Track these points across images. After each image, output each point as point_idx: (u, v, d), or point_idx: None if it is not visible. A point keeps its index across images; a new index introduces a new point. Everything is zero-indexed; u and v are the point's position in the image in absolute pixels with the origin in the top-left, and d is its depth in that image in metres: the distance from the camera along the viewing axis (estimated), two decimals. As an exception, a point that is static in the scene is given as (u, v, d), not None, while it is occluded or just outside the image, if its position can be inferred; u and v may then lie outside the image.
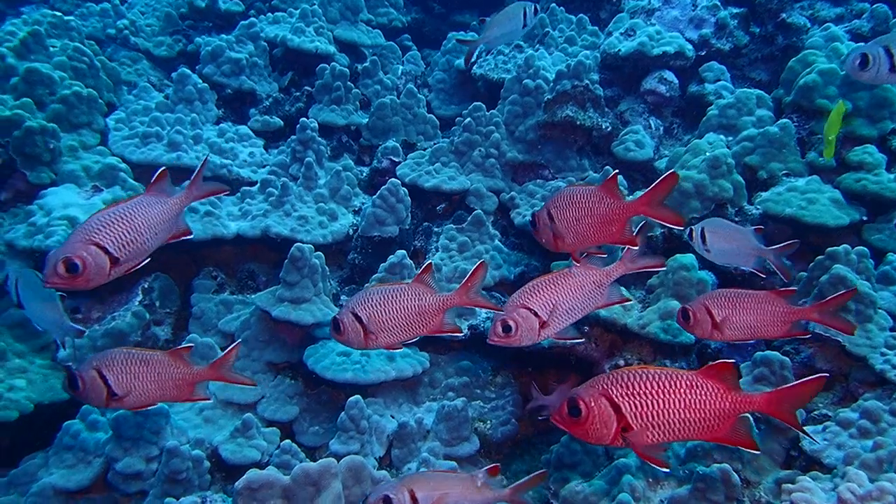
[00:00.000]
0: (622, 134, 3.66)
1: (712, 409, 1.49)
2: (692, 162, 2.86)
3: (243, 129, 3.96)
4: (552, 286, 1.79)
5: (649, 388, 1.48)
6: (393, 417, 2.87)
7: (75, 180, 3.21)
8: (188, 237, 2.07)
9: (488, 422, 2.94)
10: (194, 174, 2.01)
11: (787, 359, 2.29)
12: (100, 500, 2.53)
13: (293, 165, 3.70)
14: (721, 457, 2.08)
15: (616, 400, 1.48)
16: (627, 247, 1.88)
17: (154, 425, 2.53)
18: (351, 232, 3.48)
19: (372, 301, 1.74)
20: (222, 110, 4.05)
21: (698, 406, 1.48)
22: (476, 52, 3.61)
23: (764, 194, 2.89)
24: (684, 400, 1.48)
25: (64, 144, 3.26)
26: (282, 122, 4.08)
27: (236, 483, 1.72)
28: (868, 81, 2.17)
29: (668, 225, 1.99)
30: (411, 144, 4.01)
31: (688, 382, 1.49)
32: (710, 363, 1.52)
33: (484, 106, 3.72)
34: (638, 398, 1.48)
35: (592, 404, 1.49)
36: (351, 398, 2.63)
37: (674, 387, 1.48)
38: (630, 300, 1.95)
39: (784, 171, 2.94)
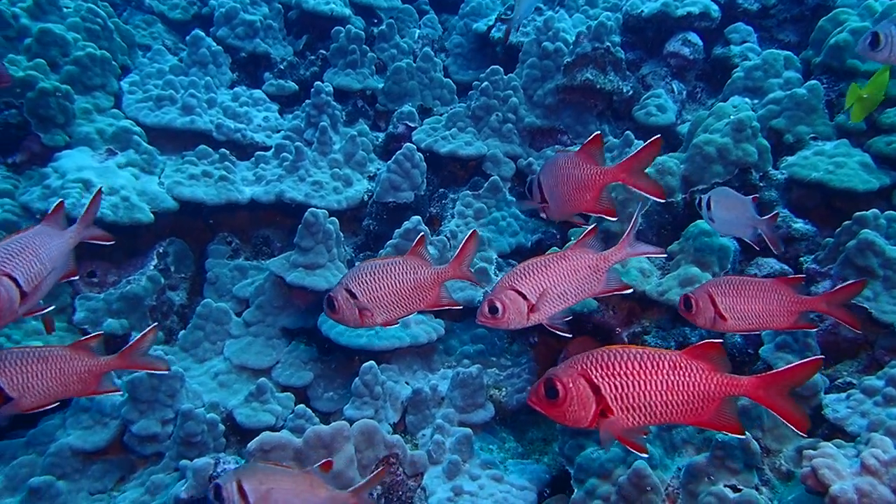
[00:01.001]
0: (644, 98, 3.57)
1: (696, 391, 1.41)
2: (715, 126, 2.77)
3: (258, 93, 3.92)
4: (544, 269, 1.68)
5: (631, 368, 1.41)
6: (408, 384, 2.85)
7: (89, 143, 3.19)
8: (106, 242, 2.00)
9: (503, 389, 2.91)
10: (84, 210, 1.90)
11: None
12: (116, 462, 2.54)
13: (308, 130, 3.66)
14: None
15: (595, 381, 1.41)
16: (628, 230, 1.74)
17: (169, 388, 2.53)
18: (366, 198, 3.44)
19: (365, 276, 1.67)
20: (236, 74, 4.01)
21: (682, 388, 1.41)
22: (515, 27, 3.56)
23: (790, 158, 2.80)
24: (667, 381, 1.41)
25: (78, 107, 3.24)
26: (296, 87, 4.03)
27: (249, 444, 1.71)
28: (881, 62, 2.05)
29: (648, 196, 1.87)
30: (428, 109, 3.95)
31: (671, 363, 1.41)
32: (697, 342, 1.45)
33: (501, 70, 3.64)
34: (618, 379, 1.41)
35: (570, 385, 1.42)
36: (365, 364, 2.62)
37: (656, 367, 1.41)
38: (629, 288, 1.81)
39: (812, 135, 2.84)
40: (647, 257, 2.62)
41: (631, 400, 1.41)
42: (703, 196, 2.25)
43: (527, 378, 2.90)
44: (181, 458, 2.34)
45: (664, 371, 1.41)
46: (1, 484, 2.42)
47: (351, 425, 1.88)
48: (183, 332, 3.04)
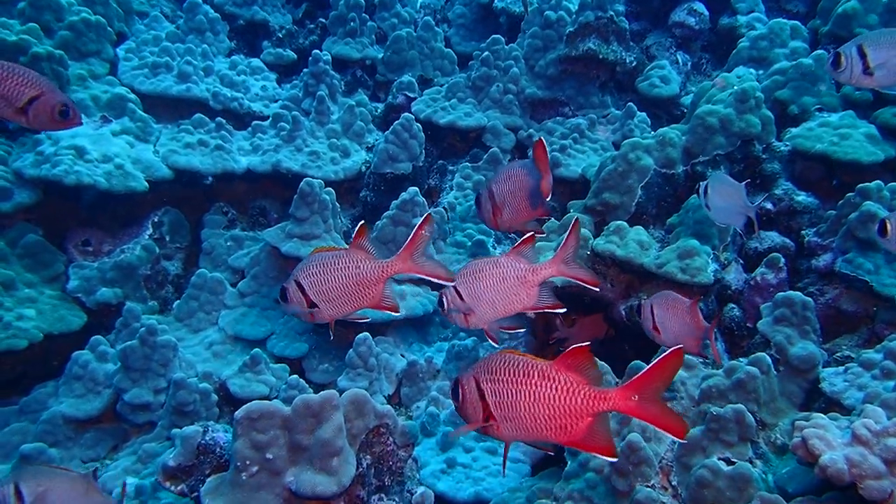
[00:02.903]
0: (647, 69, 3.50)
1: (563, 406, 1.27)
2: (719, 96, 2.71)
3: (255, 61, 3.86)
4: (478, 273, 1.58)
5: (508, 376, 1.31)
6: (403, 356, 2.83)
7: (84, 110, 3.15)
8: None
9: (521, 349, 2.88)
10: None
11: (811, 299, 2.19)
12: (109, 430, 2.54)
13: (306, 100, 3.61)
14: (736, 397, 2.00)
15: (482, 386, 1.33)
16: (562, 245, 1.64)
17: (162, 358, 2.52)
18: (363, 169, 3.40)
19: (312, 269, 1.56)
20: (234, 42, 3.95)
21: (548, 401, 1.27)
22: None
23: (794, 130, 2.74)
24: (535, 393, 1.29)
25: (72, 73, 3.20)
26: (295, 56, 3.98)
27: (236, 413, 1.69)
28: (844, 83, 1.99)
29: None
30: (428, 80, 3.89)
31: (541, 373, 1.28)
32: (567, 348, 1.29)
33: (503, 39, 3.58)
34: (498, 385, 1.32)
35: (466, 388, 1.36)
36: (359, 335, 2.59)
37: (527, 377, 1.29)
38: (562, 307, 1.67)
39: (817, 106, 2.78)
40: (645, 230, 2.58)
41: (506, 410, 1.32)
42: (701, 183, 2.20)
43: (523, 350, 2.87)
44: (173, 427, 2.33)
45: (533, 381, 1.29)
46: (-6, 450, 2.43)
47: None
48: (178, 301, 3.02)
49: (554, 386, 1.28)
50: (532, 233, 1.66)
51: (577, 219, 1.66)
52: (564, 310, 1.64)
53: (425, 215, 1.60)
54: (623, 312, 2.51)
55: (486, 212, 1.88)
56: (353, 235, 1.60)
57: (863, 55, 1.87)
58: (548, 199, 1.95)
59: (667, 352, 1.25)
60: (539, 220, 2.00)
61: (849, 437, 1.34)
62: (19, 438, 2.45)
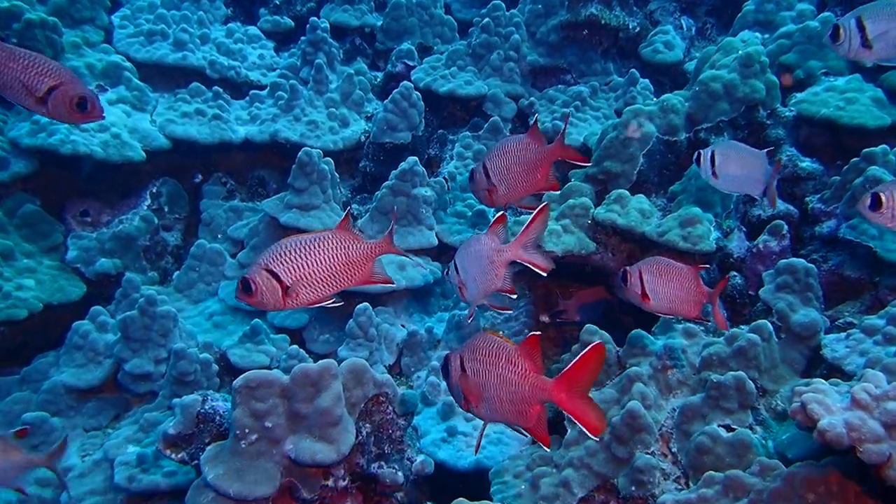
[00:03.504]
0: (651, 35, 3.44)
1: (519, 392, 1.31)
2: (723, 61, 2.66)
3: (253, 29, 3.81)
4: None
5: (485, 356, 1.35)
6: (403, 326, 2.82)
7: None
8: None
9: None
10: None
11: (813, 266, 2.17)
12: (111, 400, 2.55)
13: (304, 69, 3.56)
14: (737, 365, 2.00)
15: (465, 364, 1.37)
16: (524, 230, 1.65)
17: (161, 328, 2.51)
18: (363, 138, 3.37)
19: (289, 254, 1.53)
20: (231, 9, 3.89)
21: (509, 385, 1.32)
22: None
23: (799, 95, 2.69)
24: (501, 375, 1.33)
25: (66, 41, 3.15)
26: (293, 23, 3.91)
27: (235, 381, 1.68)
28: (843, 55, 1.93)
29: (581, 164, 1.95)
30: (428, 48, 3.83)
31: (507, 356, 1.32)
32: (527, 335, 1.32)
33: (503, 5, 3.52)
34: (477, 365, 1.36)
35: (452, 365, 1.39)
36: (359, 305, 2.59)
37: (497, 359, 1.33)
38: (392, 284, 1.72)
39: (823, 70, 2.73)
40: (647, 198, 2.55)
41: (482, 390, 1.36)
42: (702, 151, 2.11)
43: (524, 321, 2.87)
44: (174, 396, 2.34)
45: (500, 364, 1.33)
46: (-4, 420, 2.44)
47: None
48: (177, 272, 3.01)
49: (515, 371, 1.31)
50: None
51: (545, 204, 1.68)
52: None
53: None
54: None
55: (481, 188, 1.84)
56: (341, 219, 1.60)
57: (861, 27, 1.81)
58: (552, 172, 1.91)
59: (588, 347, 1.27)
60: (536, 196, 1.97)
61: (848, 402, 1.33)
62: (21, 407, 2.46)
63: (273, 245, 1.55)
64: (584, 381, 1.28)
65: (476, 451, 1.54)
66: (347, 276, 1.59)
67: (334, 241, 1.56)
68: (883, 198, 1.69)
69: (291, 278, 1.53)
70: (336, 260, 1.55)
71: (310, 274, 1.53)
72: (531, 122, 1.86)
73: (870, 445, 1.29)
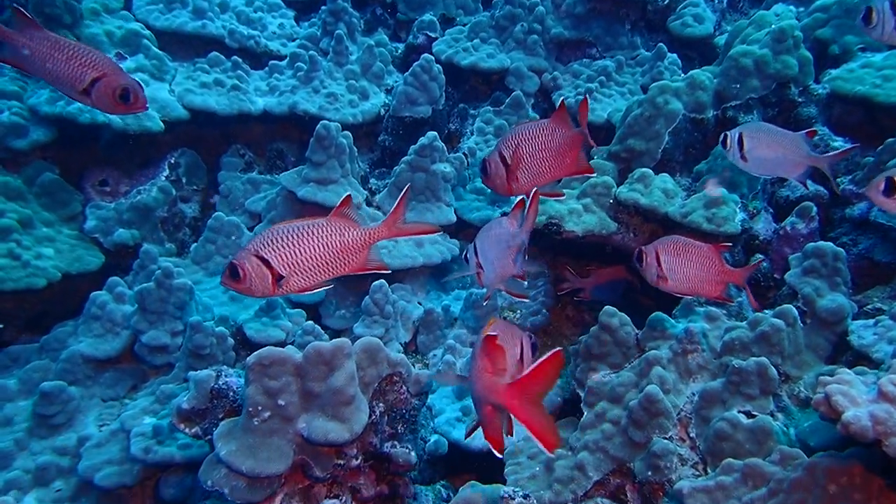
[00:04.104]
0: (680, 7, 3.34)
1: (474, 393, 1.30)
2: (754, 36, 2.57)
3: (273, -2, 3.75)
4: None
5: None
6: (420, 304, 2.80)
7: (98, 45, 3.08)
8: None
9: (518, 311, 2.85)
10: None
11: (842, 250, 2.10)
12: (129, 371, 2.56)
13: (324, 39, 3.51)
14: (760, 350, 1.95)
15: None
16: (395, 206, 1.61)
17: (178, 300, 2.51)
18: (382, 112, 3.32)
19: (281, 240, 1.50)
20: (250, -23, 3.82)
21: (473, 382, 1.30)
22: None
23: (833, 72, 2.60)
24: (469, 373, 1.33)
25: (85, 7, 3.12)
26: (313, -8, 3.85)
27: (248, 358, 1.67)
28: (876, 40, 1.83)
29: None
30: (450, 19, 3.76)
31: (473, 354, 1.32)
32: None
33: (528, -25, 3.43)
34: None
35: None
36: (375, 283, 2.56)
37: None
38: (387, 270, 1.67)
39: (860, 46, 2.63)
40: (672, 178, 2.49)
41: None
42: (729, 133, 2.02)
43: (542, 300, 2.83)
44: (190, 369, 2.33)
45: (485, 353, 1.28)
46: (16, 386, 2.46)
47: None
48: (195, 244, 3.01)
49: (475, 369, 1.28)
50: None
51: (408, 186, 1.71)
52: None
53: (407, 186, 1.64)
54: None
55: (497, 178, 1.78)
56: (338, 205, 1.55)
57: None
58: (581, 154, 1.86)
59: (546, 355, 1.20)
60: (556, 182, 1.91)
61: (875, 394, 1.28)
62: (40, 376, 2.48)
63: (264, 230, 1.52)
64: (538, 389, 1.21)
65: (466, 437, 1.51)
66: (341, 264, 1.56)
67: (328, 229, 1.53)
68: (874, 13, 1.60)
69: (283, 266, 1.50)
70: (330, 248, 1.52)
71: (302, 262, 1.50)
72: (557, 105, 1.79)
73: (896, 440, 1.24)
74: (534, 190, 1.71)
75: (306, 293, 1.57)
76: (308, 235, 1.51)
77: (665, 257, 1.82)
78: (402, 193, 1.59)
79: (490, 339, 1.25)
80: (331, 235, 1.53)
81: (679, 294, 1.87)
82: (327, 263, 1.54)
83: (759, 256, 2.36)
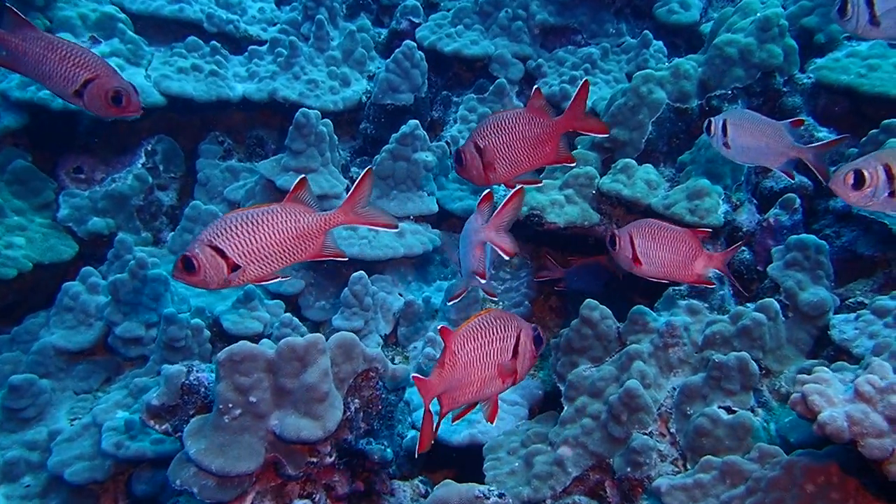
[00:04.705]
0: (666, -7, 3.29)
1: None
2: (740, 24, 2.53)
3: (252, -19, 3.67)
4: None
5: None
6: (401, 295, 2.76)
7: (71, 29, 3.01)
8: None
9: (500, 303, 2.82)
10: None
11: (825, 242, 2.08)
12: (102, 363, 2.51)
13: (305, 24, 3.44)
14: (741, 344, 1.93)
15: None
16: (351, 192, 1.56)
17: (153, 291, 2.46)
18: (364, 99, 3.26)
19: (235, 228, 1.44)
20: (230, -39, 3.74)
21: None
22: None
23: (819, 61, 2.57)
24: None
25: (59, -11, 3.04)
26: (294, -24, 3.77)
27: (218, 354, 1.63)
28: (850, 32, 1.80)
29: (594, 135, 1.87)
30: (434, 4, 3.69)
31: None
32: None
33: (513, -41, 3.37)
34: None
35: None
36: (354, 274, 2.52)
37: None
38: (344, 257, 1.62)
39: (846, 34, 2.59)
40: (655, 168, 2.46)
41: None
42: (713, 119, 1.99)
43: (524, 292, 2.80)
44: (165, 362, 2.29)
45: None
46: (-15, 380, 2.41)
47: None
48: (172, 233, 2.95)
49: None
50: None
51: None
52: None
53: (367, 169, 1.55)
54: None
55: (473, 168, 1.74)
56: (292, 189, 1.50)
57: (870, 3, 1.69)
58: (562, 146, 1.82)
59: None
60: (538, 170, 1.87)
61: (851, 394, 1.26)
62: (10, 368, 2.43)
63: (216, 220, 1.46)
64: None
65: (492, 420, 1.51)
66: (297, 250, 1.51)
67: (283, 215, 1.47)
68: (867, 175, 1.47)
69: (239, 255, 1.44)
70: (286, 234, 1.46)
71: (258, 249, 1.44)
72: (533, 92, 1.74)
73: (872, 440, 1.22)
74: (517, 187, 1.67)
75: (263, 283, 1.51)
76: (263, 222, 1.46)
77: (639, 241, 1.78)
78: (359, 177, 1.54)
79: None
80: (286, 221, 1.47)
81: (654, 279, 1.84)
82: (284, 250, 1.48)
83: (743, 248, 2.33)
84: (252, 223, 1.45)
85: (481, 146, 1.71)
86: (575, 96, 1.73)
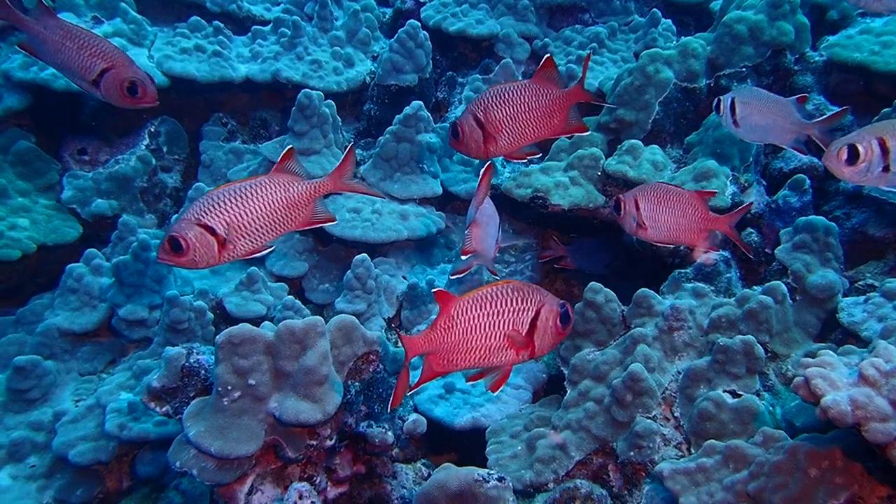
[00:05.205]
0: (675, -29, 3.23)
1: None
2: (750, 1, 2.48)
3: (256, -40, 3.63)
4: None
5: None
6: (404, 278, 2.74)
7: (73, 9, 2.98)
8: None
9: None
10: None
11: (834, 224, 2.04)
12: (107, 344, 2.51)
13: (308, 3, 3.40)
14: (747, 328, 1.90)
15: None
16: (341, 162, 1.58)
17: (156, 274, 2.46)
18: (368, 80, 3.22)
19: (224, 204, 1.42)
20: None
21: None
22: None
23: (831, 38, 2.51)
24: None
25: (60, -32, 3.02)
26: (298, -45, 3.72)
27: (217, 337, 1.62)
28: (852, 5, 1.76)
29: (598, 118, 1.80)
30: (439, -17, 3.63)
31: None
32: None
33: (519, -63, 3.31)
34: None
35: None
36: (357, 257, 2.50)
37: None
38: (334, 220, 1.61)
39: (860, 10, 2.53)
40: (662, 149, 2.42)
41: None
42: (722, 98, 1.96)
43: (529, 275, 2.78)
44: (168, 344, 2.29)
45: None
46: (-9, 361, 2.42)
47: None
48: (175, 215, 2.94)
49: None
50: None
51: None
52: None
53: (350, 144, 1.59)
54: (633, 237, 2.38)
55: (472, 141, 1.71)
56: (280, 158, 1.49)
57: None
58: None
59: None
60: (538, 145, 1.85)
61: (855, 377, 1.23)
62: (16, 349, 2.44)
63: (202, 197, 1.44)
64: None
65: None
66: (288, 220, 1.50)
67: (272, 185, 1.46)
68: (861, 149, 1.44)
69: (229, 231, 1.42)
70: (276, 205, 1.46)
71: (249, 223, 1.43)
72: (544, 60, 1.72)
73: (876, 424, 1.20)
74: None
75: (251, 256, 1.50)
76: (252, 195, 1.44)
77: (644, 204, 1.76)
78: (347, 149, 1.56)
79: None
80: (275, 192, 1.46)
81: (660, 243, 1.82)
82: (274, 221, 1.48)
83: (750, 230, 2.30)
84: (241, 197, 1.44)
85: (482, 118, 1.68)
86: (585, 67, 1.73)
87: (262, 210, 1.44)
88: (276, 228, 1.49)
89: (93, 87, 1.71)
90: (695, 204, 1.78)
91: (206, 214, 1.41)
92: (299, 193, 1.49)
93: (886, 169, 1.43)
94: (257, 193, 1.44)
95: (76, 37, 1.68)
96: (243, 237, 1.44)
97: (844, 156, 1.45)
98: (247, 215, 1.43)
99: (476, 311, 1.37)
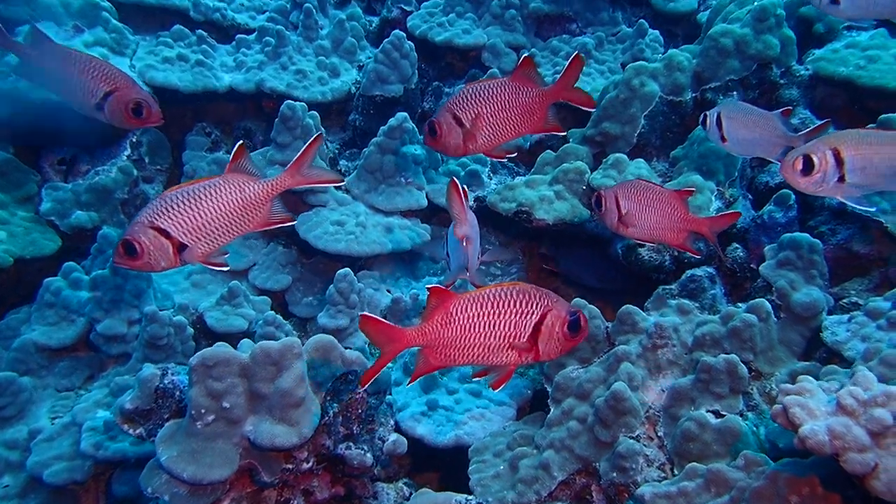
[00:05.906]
0: (663, -19, 3.22)
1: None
2: (736, 14, 2.47)
3: (240, -32, 3.59)
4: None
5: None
6: (389, 292, 2.71)
7: (54, 17, 2.94)
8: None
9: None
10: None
11: (818, 241, 2.03)
12: (85, 360, 2.47)
13: (294, 12, 3.37)
14: (731, 346, 1.88)
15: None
16: (297, 156, 1.55)
17: (135, 288, 2.42)
18: (353, 90, 3.19)
19: (177, 206, 1.39)
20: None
21: None
22: None
23: (817, 52, 2.50)
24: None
25: (39, -23, 2.98)
26: (284, -37, 3.69)
27: (191, 359, 1.58)
28: (817, 7, 1.77)
29: (581, 107, 1.80)
30: (426, -9, 3.61)
31: None
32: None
33: (506, -54, 3.29)
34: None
35: None
36: (340, 271, 2.47)
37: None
38: (293, 221, 1.61)
39: (846, 24, 2.52)
40: (648, 163, 2.40)
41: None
42: (708, 113, 1.96)
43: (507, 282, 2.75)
44: (147, 360, 2.25)
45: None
46: (-34, 377, 2.37)
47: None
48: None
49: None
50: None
51: (319, 135, 1.59)
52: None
53: (316, 134, 1.54)
54: (619, 251, 2.36)
55: (451, 138, 1.69)
56: (232, 157, 1.46)
57: None
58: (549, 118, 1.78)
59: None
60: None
61: (834, 406, 1.21)
62: (-9, 366, 2.39)
63: (155, 198, 1.42)
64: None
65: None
66: (244, 221, 1.48)
67: (226, 186, 1.44)
68: (815, 160, 1.44)
69: (184, 233, 1.40)
70: (231, 206, 1.43)
71: (204, 225, 1.41)
72: (521, 59, 1.72)
73: (854, 455, 1.18)
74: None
75: (210, 263, 1.48)
76: (205, 196, 1.42)
77: (625, 202, 1.76)
78: (308, 142, 1.52)
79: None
80: (230, 193, 1.44)
81: (640, 240, 1.83)
82: (230, 223, 1.45)
83: (736, 246, 2.28)
84: (194, 198, 1.41)
85: (461, 116, 1.67)
86: (567, 67, 1.71)
87: (216, 211, 1.42)
88: (232, 230, 1.47)
89: (96, 110, 1.71)
90: (674, 203, 1.78)
91: (160, 217, 1.39)
92: (255, 192, 1.46)
93: (842, 179, 1.43)
94: (211, 195, 1.42)
95: (77, 61, 1.67)
96: (198, 239, 1.42)
97: (800, 166, 1.45)
98: (201, 217, 1.41)
99: (476, 309, 1.36)
